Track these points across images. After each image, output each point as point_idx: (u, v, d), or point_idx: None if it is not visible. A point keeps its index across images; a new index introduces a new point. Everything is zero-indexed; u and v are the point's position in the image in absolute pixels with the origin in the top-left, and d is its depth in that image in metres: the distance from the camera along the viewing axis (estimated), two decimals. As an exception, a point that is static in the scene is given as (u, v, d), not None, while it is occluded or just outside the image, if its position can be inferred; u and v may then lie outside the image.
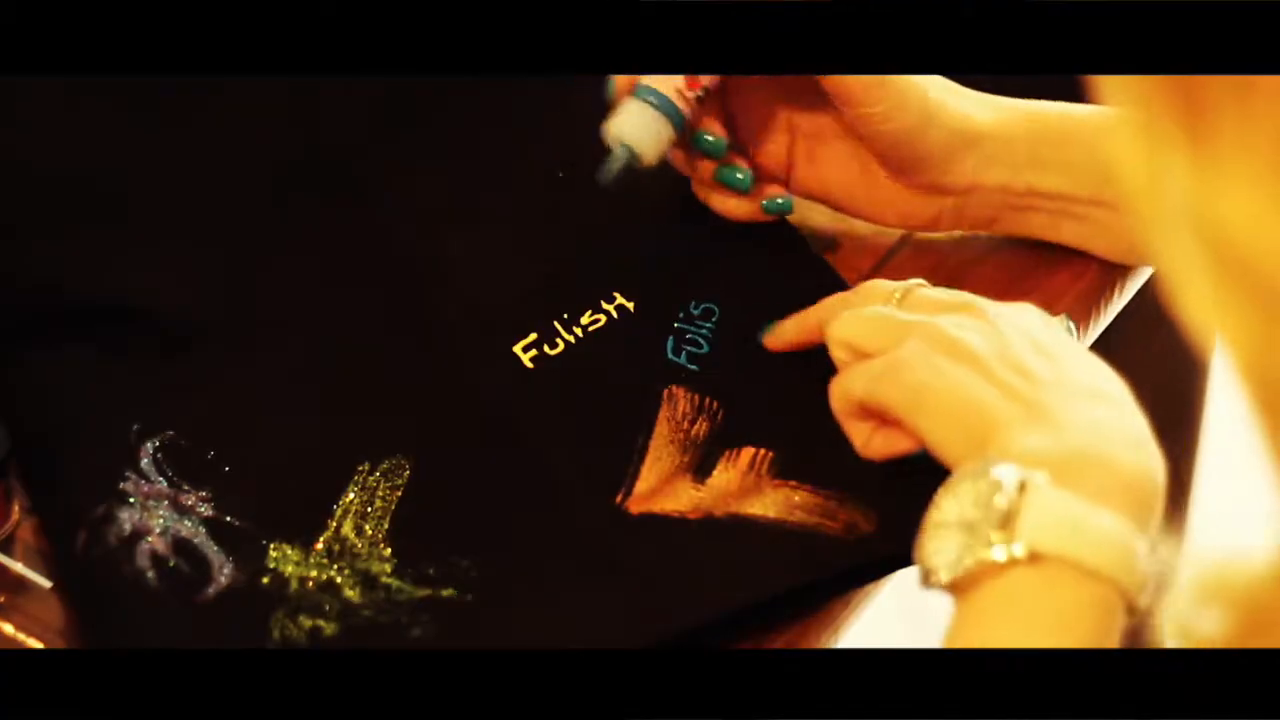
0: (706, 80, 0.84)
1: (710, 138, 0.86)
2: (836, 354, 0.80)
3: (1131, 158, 0.48)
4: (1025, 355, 0.74)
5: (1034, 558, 0.67)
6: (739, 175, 0.87)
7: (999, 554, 0.67)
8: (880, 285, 0.82)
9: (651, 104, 0.84)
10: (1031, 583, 0.67)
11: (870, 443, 0.78)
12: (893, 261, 0.90)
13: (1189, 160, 0.46)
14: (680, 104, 0.84)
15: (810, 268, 0.88)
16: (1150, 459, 0.71)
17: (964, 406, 0.73)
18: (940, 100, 0.85)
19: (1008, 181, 0.87)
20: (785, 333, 0.85)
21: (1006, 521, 0.68)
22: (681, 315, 0.87)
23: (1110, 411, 0.72)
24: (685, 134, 0.85)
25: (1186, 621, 0.53)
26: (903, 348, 0.76)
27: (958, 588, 0.69)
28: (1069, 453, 0.70)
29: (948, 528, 0.69)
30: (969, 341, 0.75)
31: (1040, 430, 0.71)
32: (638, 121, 0.84)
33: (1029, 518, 0.67)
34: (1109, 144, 0.49)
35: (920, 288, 0.80)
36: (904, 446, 0.77)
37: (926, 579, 0.69)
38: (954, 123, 0.85)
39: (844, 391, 0.78)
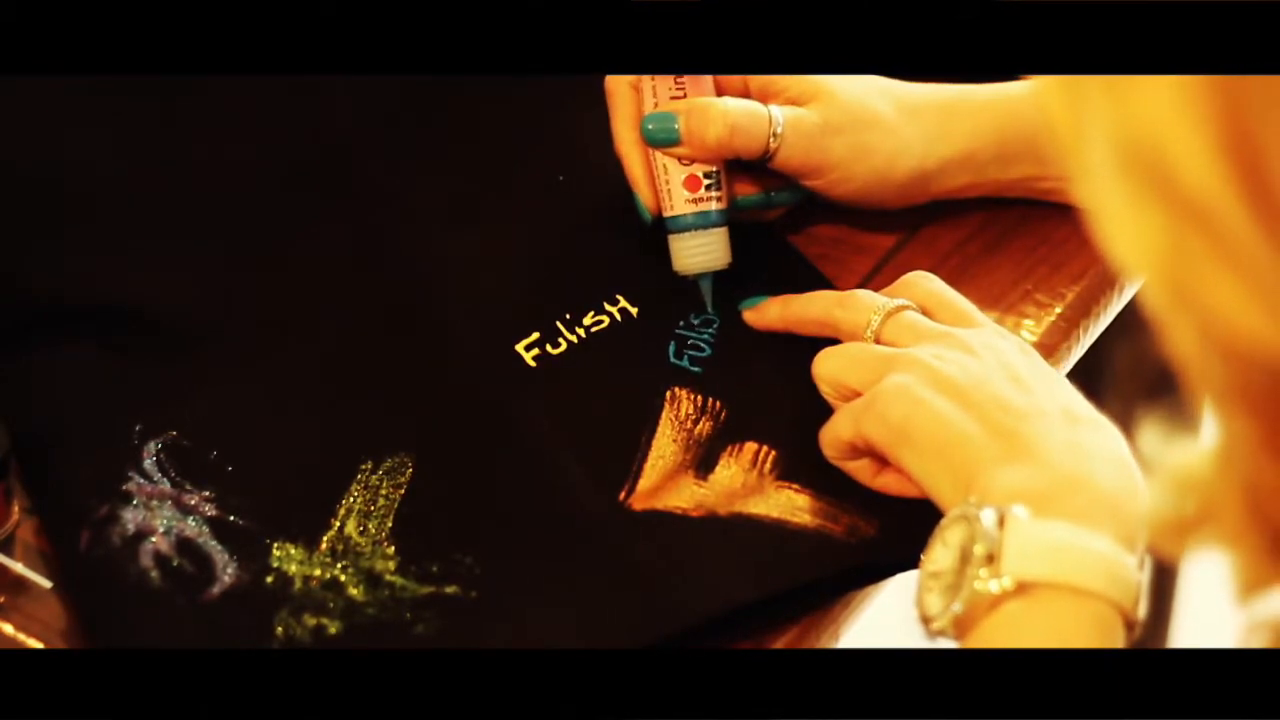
0: (711, 167, 0.86)
1: (651, 125, 0.86)
2: (823, 390, 0.81)
3: (1060, 112, 0.50)
4: (1002, 386, 0.76)
5: (1023, 587, 0.69)
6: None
7: (988, 589, 0.69)
8: (868, 296, 0.82)
9: (696, 227, 0.85)
10: (1025, 611, 0.69)
11: (877, 479, 0.79)
12: (891, 263, 0.90)
13: (1106, 96, 0.48)
14: (714, 205, 0.85)
15: (811, 281, 0.88)
16: (1131, 475, 0.73)
17: (946, 442, 0.74)
18: (887, 149, 0.87)
19: (973, 181, 0.90)
20: (768, 313, 0.86)
21: (991, 558, 0.69)
22: (681, 324, 0.87)
23: (1087, 434, 0.74)
24: (730, 217, 0.87)
25: (1163, 514, 0.54)
26: (884, 382, 0.77)
27: (959, 629, 0.69)
28: (1050, 481, 0.71)
29: (941, 575, 0.71)
30: (948, 373, 0.76)
31: (1020, 463, 0.72)
32: (699, 252, 0.86)
33: (1011, 550, 0.69)
34: (1040, 106, 0.51)
35: (904, 310, 0.81)
36: (915, 491, 0.77)
37: (928, 626, 0.70)
38: (910, 164, 0.87)
39: (834, 438, 0.79)
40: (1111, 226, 0.50)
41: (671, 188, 0.86)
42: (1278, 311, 0.47)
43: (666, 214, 0.86)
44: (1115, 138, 0.48)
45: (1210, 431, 0.52)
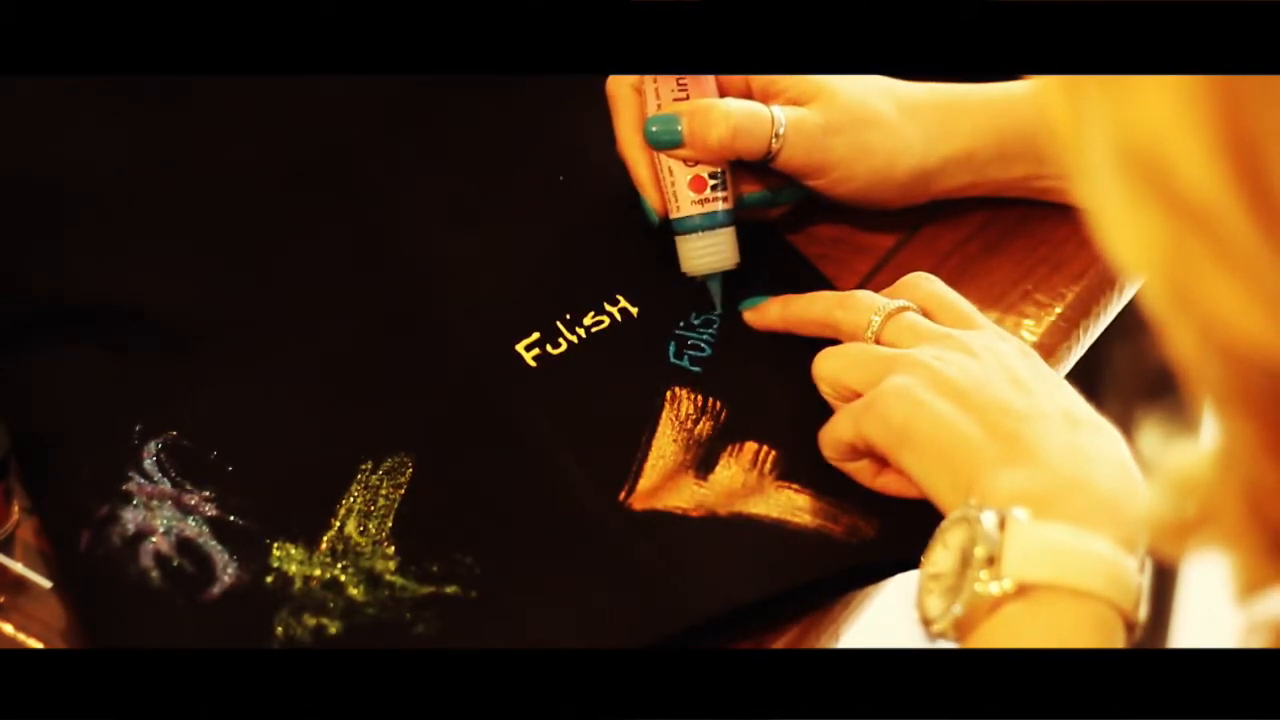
0: (716, 167, 0.86)
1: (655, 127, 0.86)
2: (823, 390, 0.81)
3: (1059, 111, 0.50)
4: (1003, 388, 0.76)
5: (1023, 589, 0.69)
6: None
7: (988, 591, 0.69)
8: (869, 297, 0.82)
9: (703, 228, 0.86)
10: (1025, 613, 0.69)
11: (877, 479, 0.79)
12: (891, 263, 0.90)
13: (1106, 96, 0.48)
14: (720, 205, 0.85)
15: (812, 281, 0.88)
16: (1131, 478, 0.73)
17: (947, 444, 0.74)
18: (888, 148, 0.87)
19: (974, 181, 0.90)
20: (768, 313, 0.86)
21: (992, 560, 0.69)
22: (681, 324, 0.87)
23: (1087, 436, 0.74)
24: (736, 216, 0.87)
25: (1163, 515, 0.55)
26: (885, 383, 0.77)
27: (960, 631, 0.70)
28: (1050, 483, 0.71)
29: (941, 578, 0.71)
30: (949, 375, 0.76)
31: (1020, 465, 0.72)
32: (707, 253, 0.86)
33: (1012, 552, 0.69)
34: (1041, 106, 0.51)
35: (905, 311, 0.81)
36: (915, 492, 0.77)
37: (929, 628, 0.70)
38: (910, 163, 0.87)
39: (834, 439, 0.79)
40: (1111, 227, 0.50)
41: (677, 189, 0.86)
42: (1277, 313, 0.47)
43: (673, 215, 0.86)
44: (1115, 138, 0.48)
45: (1210, 433, 0.52)
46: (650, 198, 0.87)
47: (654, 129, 0.85)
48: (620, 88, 0.87)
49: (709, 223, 0.86)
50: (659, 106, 0.86)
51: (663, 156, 0.86)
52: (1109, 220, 0.50)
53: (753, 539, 0.79)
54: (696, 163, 0.85)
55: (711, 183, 0.86)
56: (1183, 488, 0.54)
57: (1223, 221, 0.47)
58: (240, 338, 0.86)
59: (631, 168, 0.87)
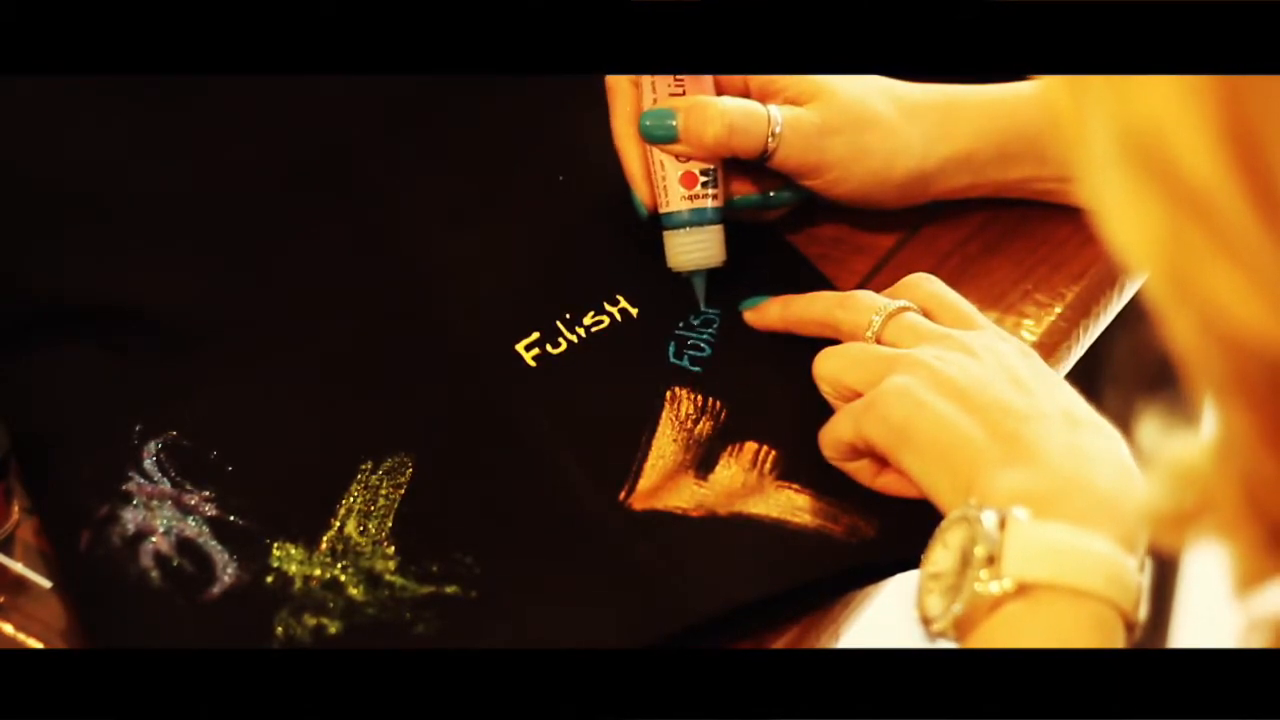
0: (708, 164, 0.86)
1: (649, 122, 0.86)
2: (824, 390, 0.81)
3: (1062, 101, 0.50)
4: (1003, 389, 0.76)
5: (1023, 589, 0.69)
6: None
7: (988, 590, 0.69)
8: (870, 297, 0.82)
9: (691, 224, 0.86)
10: (1025, 612, 0.69)
11: (877, 479, 0.79)
12: (891, 263, 0.90)
13: (1109, 89, 0.48)
14: (709, 202, 0.85)
15: (811, 281, 0.88)
16: (1131, 478, 0.73)
17: (947, 444, 0.74)
18: (887, 149, 0.86)
19: (973, 182, 0.90)
20: (769, 313, 0.86)
21: (992, 560, 0.69)
22: (681, 324, 0.87)
23: (1087, 437, 0.74)
24: (726, 214, 0.87)
25: (1161, 507, 0.55)
26: (885, 383, 0.77)
27: (960, 631, 0.69)
28: (1050, 483, 0.71)
29: (941, 577, 0.71)
30: (949, 375, 0.76)
31: (1020, 465, 0.72)
32: (693, 249, 0.86)
33: (1012, 551, 0.69)
34: (1042, 102, 0.51)
35: (905, 311, 0.81)
36: (915, 491, 0.77)
37: (929, 627, 0.70)
38: (909, 164, 0.87)
39: (834, 439, 0.79)
40: (1112, 217, 0.50)
41: (668, 184, 0.86)
42: (1277, 303, 0.47)
43: (662, 210, 0.86)
44: (1117, 128, 0.48)
45: (1209, 424, 0.52)
46: (640, 191, 0.87)
47: (648, 123, 0.85)
48: (618, 81, 0.87)
49: (697, 219, 0.86)
50: (655, 101, 0.86)
51: (655, 151, 0.86)
52: (1110, 211, 0.50)
53: (753, 539, 0.79)
54: (689, 159, 0.85)
55: (703, 179, 0.86)
56: (1181, 478, 0.54)
57: (1224, 212, 0.47)
58: (240, 338, 0.86)
59: (624, 160, 0.87)
